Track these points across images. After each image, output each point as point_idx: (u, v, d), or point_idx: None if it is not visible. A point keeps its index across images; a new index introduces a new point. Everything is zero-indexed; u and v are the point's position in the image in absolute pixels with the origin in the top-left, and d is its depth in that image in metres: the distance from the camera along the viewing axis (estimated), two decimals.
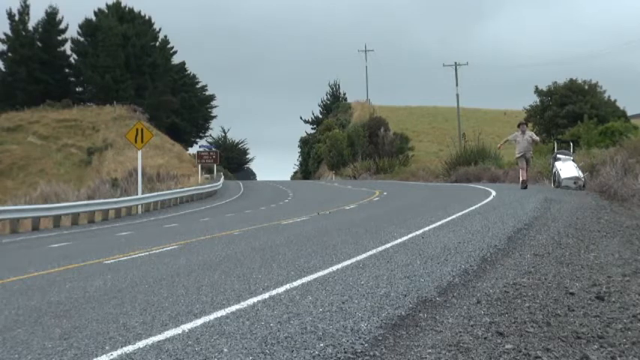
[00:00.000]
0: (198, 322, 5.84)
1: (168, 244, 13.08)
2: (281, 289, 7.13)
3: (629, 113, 57.53)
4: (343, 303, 6.32)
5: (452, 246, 10.03)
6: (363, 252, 9.66)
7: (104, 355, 5.01)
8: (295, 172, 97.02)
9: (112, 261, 11.01)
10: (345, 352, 4.84)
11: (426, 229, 12.62)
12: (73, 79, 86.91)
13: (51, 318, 6.54)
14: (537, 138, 27.56)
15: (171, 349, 5.05)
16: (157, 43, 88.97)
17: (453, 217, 14.89)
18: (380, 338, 5.24)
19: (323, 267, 8.49)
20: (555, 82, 57.28)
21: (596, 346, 5.08)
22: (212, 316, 6.02)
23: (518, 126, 26.41)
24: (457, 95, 68.16)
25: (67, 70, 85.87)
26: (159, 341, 5.28)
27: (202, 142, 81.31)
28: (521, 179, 25.52)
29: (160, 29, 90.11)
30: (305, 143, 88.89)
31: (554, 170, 28.30)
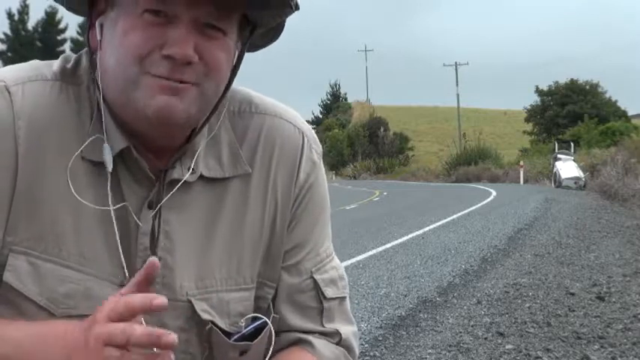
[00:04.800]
0: None
1: None
2: None
3: (629, 113, 57.55)
4: None
5: (452, 246, 10.02)
6: (363, 252, 9.66)
7: None
8: None
9: None
10: None
11: (427, 229, 12.61)
12: None
13: None
14: None
15: None
16: None
17: (454, 217, 14.89)
18: (380, 338, 5.23)
19: None
20: (556, 82, 57.33)
21: (596, 347, 5.06)
22: None
23: None
24: (457, 95, 68.23)
25: None
26: None
27: None
28: None
29: None
30: None
31: (554, 170, 28.36)
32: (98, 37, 1.16)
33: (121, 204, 1.17)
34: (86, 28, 1.19)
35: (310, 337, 1.28)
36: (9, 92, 1.15)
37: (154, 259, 1.05)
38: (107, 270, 1.17)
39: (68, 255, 1.15)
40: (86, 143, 1.15)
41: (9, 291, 1.15)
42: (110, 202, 1.15)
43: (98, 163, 1.16)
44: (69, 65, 1.21)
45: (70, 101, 1.17)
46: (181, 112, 1.12)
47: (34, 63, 1.21)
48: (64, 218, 1.15)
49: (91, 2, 1.17)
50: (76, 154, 1.15)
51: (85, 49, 1.22)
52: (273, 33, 1.23)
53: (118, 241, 1.16)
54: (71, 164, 1.15)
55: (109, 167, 1.15)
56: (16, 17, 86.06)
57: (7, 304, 1.15)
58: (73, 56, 1.23)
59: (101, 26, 1.16)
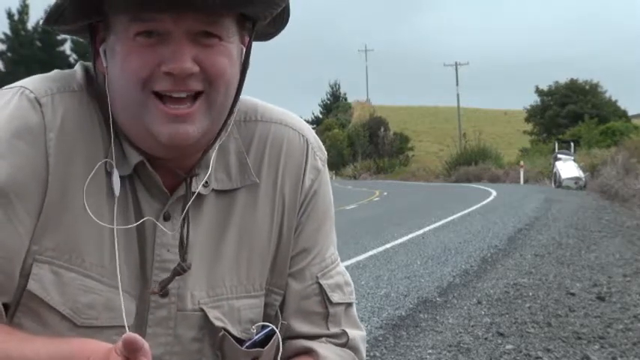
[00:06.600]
0: None
1: None
2: None
3: (630, 113, 57.54)
4: None
5: (452, 246, 10.02)
6: (363, 252, 9.65)
7: None
8: None
9: None
10: None
11: (427, 229, 12.61)
12: None
13: None
14: None
15: None
16: None
17: (454, 217, 14.89)
18: (380, 339, 5.23)
19: None
20: (556, 82, 57.33)
21: (597, 347, 5.06)
22: None
23: None
24: (457, 95, 68.21)
25: None
26: None
27: None
28: None
29: None
30: None
31: (554, 170, 28.37)
32: (104, 64, 1.17)
33: (138, 222, 1.19)
34: (92, 56, 1.19)
35: (315, 345, 1.28)
36: (40, 104, 1.16)
37: (130, 335, 0.99)
38: (125, 282, 1.18)
39: (90, 266, 1.16)
40: (95, 169, 1.17)
41: (32, 300, 1.15)
42: (115, 222, 1.17)
43: (121, 178, 1.18)
44: (90, 76, 1.22)
45: (96, 114, 1.19)
46: (193, 135, 1.13)
47: (59, 73, 1.22)
48: (87, 230, 1.16)
49: (93, 31, 1.18)
50: (89, 177, 1.16)
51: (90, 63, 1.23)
52: (280, 19, 1.23)
53: (117, 255, 1.17)
54: (95, 176, 1.17)
55: (117, 192, 1.17)
56: (16, 17, 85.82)
57: (29, 314, 1.16)
58: (91, 66, 1.23)
59: (105, 52, 1.17)
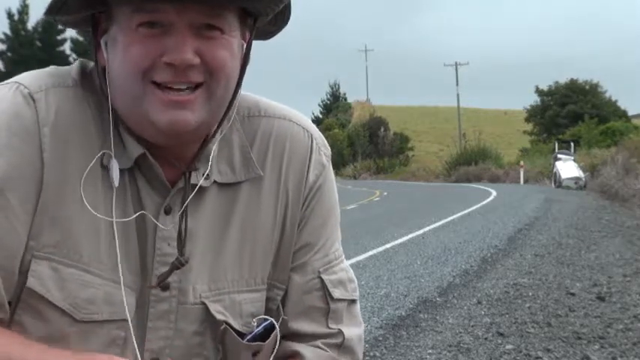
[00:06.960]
0: None
1: None
2: None
3: (629, 113, 57.54)
4: None
5: (452, 246, 10.02)
6: (363, 252, 9.65)
7: None
8: None
9: None
10: None
11: (427, 229, 12.61)
12: None
13: None
14: None
15: None
16: None
17: (454, 217, 14.89)
18: (380, 339, 5.23)
19: None
20: (556, 82, 57.35)
21: (597, 347, 5.06)
22: None
23: None
24: (457, 95, 68.18)
25: None
26: None
27: None
28: None
29: None
30: None
31: (554, 170, 28.38)
32: (105, 56, 1.17)
33: (135, 214, 1.18)
34: (93, 48, 1.19)
35: (304, 350, 1.27)
36: (33, 100, 1.16)
37: None
38: (125, 275, 1.18)
39: (89, 260, 1.16)
40: (94, 161, 1.17)
41: (32, 297, 1.15)
42: (114, 215, 1.17)
43: (120, 171, 1.18)
44: (87, 72, 1.22)
45: (91, 109, 1.19)
46: (193, 122, 1.13)
47: (54, 69, 1.22)
48: (84, 224, 1.16)
49: (95, 22, 1.18)
50: (87, 170, 1.16)
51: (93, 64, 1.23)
52: (281, 17, 1.23)
53: (118, 248, 1.17)
54: (92, 171, 1.17)
55: (116, 183, 1.17)
56: (16, 17, 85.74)
57: (29, 310, 1.16)
58: (90, 63, 1.23)
59: (106, 44, 1.17)
